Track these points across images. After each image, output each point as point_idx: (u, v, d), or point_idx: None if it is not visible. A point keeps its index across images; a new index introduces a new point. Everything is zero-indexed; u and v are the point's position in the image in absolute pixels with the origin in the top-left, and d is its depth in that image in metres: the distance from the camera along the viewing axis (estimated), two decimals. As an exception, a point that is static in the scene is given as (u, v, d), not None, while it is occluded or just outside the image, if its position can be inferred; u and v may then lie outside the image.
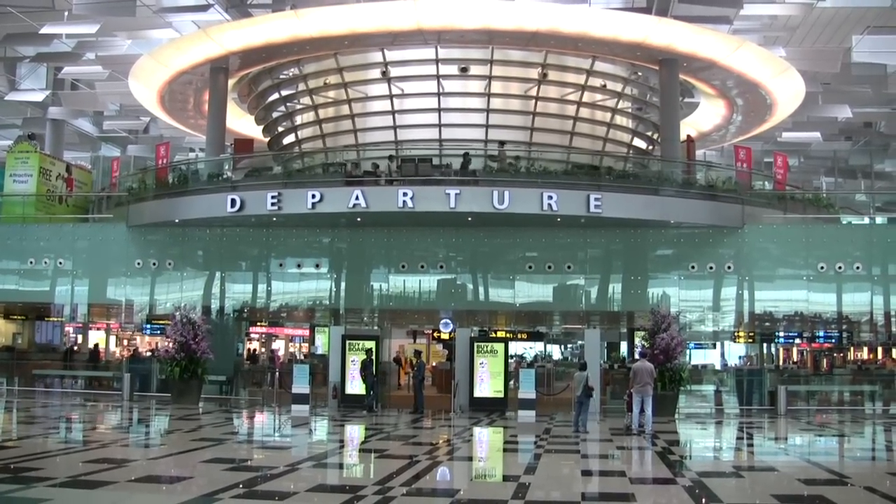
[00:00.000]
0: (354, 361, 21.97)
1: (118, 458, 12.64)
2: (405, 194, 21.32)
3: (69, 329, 35.43)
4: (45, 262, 25.79)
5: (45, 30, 27.24)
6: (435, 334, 31.73)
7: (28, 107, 35.86)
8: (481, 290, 24.59)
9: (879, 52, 26.76)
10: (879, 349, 36.31)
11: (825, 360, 36.57)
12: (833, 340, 35.43)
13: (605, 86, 27.88)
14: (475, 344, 22.11)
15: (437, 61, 26.28)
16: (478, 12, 23.45)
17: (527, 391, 20.69)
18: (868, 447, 17.21)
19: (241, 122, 32.61)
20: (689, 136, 28.43)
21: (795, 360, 39.75)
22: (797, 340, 36.94)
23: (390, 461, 13.32)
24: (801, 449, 16.62)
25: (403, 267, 24.08)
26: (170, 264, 25.09)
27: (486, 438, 17.50)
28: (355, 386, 21.99)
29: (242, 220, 23.63)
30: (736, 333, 31.28)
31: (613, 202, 21.85)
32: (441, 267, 24.21)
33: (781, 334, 34.10)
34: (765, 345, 35.70)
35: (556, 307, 25.67)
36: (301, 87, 28.30)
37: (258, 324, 35.14)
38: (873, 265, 23.57)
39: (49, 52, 30.31)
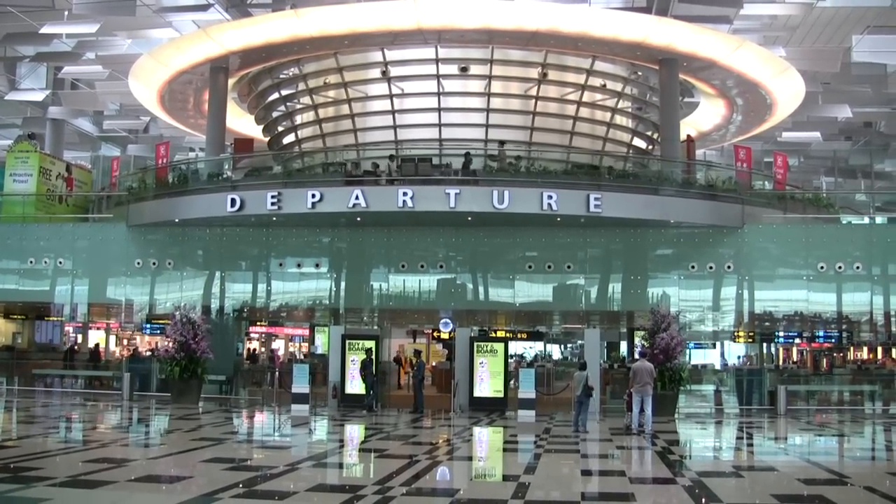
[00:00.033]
0: (354, 361, 21.97)
1: (118, 458, 12.64)
2: (405, 194, 21.33)
3: (69, 329, 35.45)
4: (45, 262, 25.79)
5: (45, 29, 27.25)
6: (435, 334, 31.74)
7: (28, 106, 35.88)
8: (481, 289, 24.59)
9: (879, 52, 26.77)
10: (879, 349, 36.35)
11: (825, 360, 36.59)
12: (833, 340, 35.45)
13: (604, 85, 27.88)
14: (475, 343, 22.11)
15: (437, 61, 26.29)
16: (478, 12, 23.44)
17: (527, 391, 20.69)
18: (868, 447, 17.21)
19: (241, 121, 32.61)
20: (688, 136, 28.43)
21: (795, 359, 39.78)
22: (797, 340, 36.98)
23: (390, 461, 13.32)
24: (801, 449, 16.62)
25: (403, 267, 24.08)
26: (170, 264, 25.08)
27: (486, 438, 17.50)
28: (355, 385, 21.99)
29: (242, 220, 23.63)
30: (736, 333, 31.30)
31: (613, 202, 21.85)
32: (441, 267, 24.22)
33: (781, 334, 34.12)
34: (764, 345, 35.70)
35: (555, 307, 25.67)
36: (301, 86, 28.31)
37: (258, 323, 35.16)
38: (873, 265, 23.57)
39: (49, 51, 30.31)
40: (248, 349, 33.64)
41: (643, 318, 23.64)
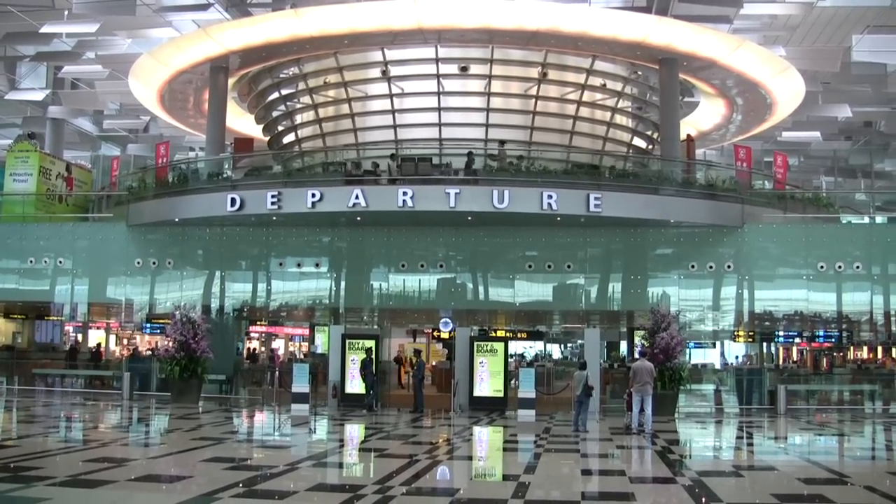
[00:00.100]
0: (354, 361, 21.98)
1: (118, 458, 12.64)
2: (405, 193, 21.32)
3: (69, 328, 35.45)
4: (45, 262, 25.78)
5: (45, 29, 27.25)
6: (435, 333, 31.74)
7: (28, 106, 35.87)
8: (481, 289, 24.60)
9: (879, 52, 26.77)
10: (879, 348, 36.35)
11: (825, 360, 36.59)
12: (833, 340, 35.42)
13: (605, 85, 27.88)
14: (475, 343, 22.12)
15: (437, 60, 26.28)
16: (478, 11, 23.44)
17: (527, 390, 20.70)
18: (868, 446, 17.20)
19: (241, 121, 32.61)
20: (688, 136, 28.43)
21: (795, 359, 39.76)
22: (797, 340, 36.93)
23: (390, 460, 13.32)
24: (801, 448, 16.63)
25: (403, 266, 24.08)
26: (170, 263, 25.08)
27: (486, 438, 17.51)
28: (355, 385, 22.00)
29: (242, 220, 23.62)
30: (736, 333, 31.26)
31: (613, 201, 21.85)
32: (441, 266, 24.22)
33: (781, 334, 34.09)
34: (764, 344, 35.69)
35: (555, 306, 25.67)
36: (301, 86, 28.30)
37: (258, 323, 35.16)
38: (873, 264, 23.58)
39: (49, 51, 30.31)
40: (248, 349, 33.65)
41: (643, 317, 23.64)
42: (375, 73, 27.28)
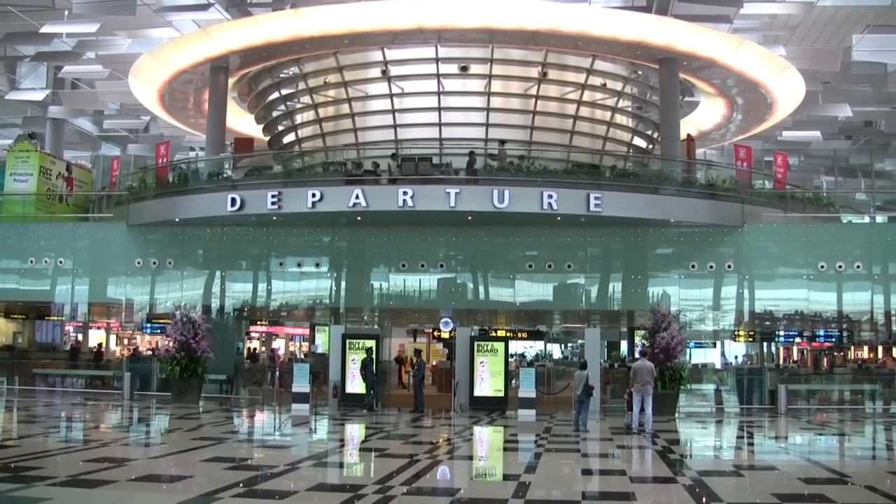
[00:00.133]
0: (355, 360, 21.98)
1: (118, 458, 12.64)
2: (405, 193, 21.32)
3: (69, 328, 35.45)
4: (46, 262, 25.79)
5: (45, 29, 27.26)
6: (435, 333, 31.72)
7: (28, 106, 35.88)
8: (481, 289, 24.60)
9: (879, 51, 26.77)
10: (880, 348, 36.30)
11: (825, 359, 36.54)
12: (833, 339, 35.36)
13: (605, 85, 27.88)
14: (475, 343, 22.12)
15: (437, 60, 26.29)
16: (478, 11, 23.44)
17: (527, 390, 20.70)
18: (868, 446, 17.20)
19: (241, 121, 32.61)
20: (689, 135, 28.43)
21: (796, 359, 39.71)
22: (797, 339, 36.88)
23: (390, 460, 13.32)
24: (802, 448, 16.62)
25: (404, 266, 24.08)
26: (170, 263, 25.08)
27: (487, 437, 17.51)
28: (355, 385, 21.99)
29: (243, 220, 23.62)
30: (736, 332, 31.21)
31: (613, 201, 21.85)
32: (441, 266, 24.21)
33: (782, 333, 34.03)
34: (765, 344, 35.65)
35: (556, 306, 25.67)
36: (301, 86, 28.31)
37: (258, 323, 35.13)
38: (873, 264, 23.57)
39: (49, 51, 30.32)
40: (249, 348, 33.63)
41: (643, 317, 23.63)
42: (375, 72, 27.29)
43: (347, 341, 22.40)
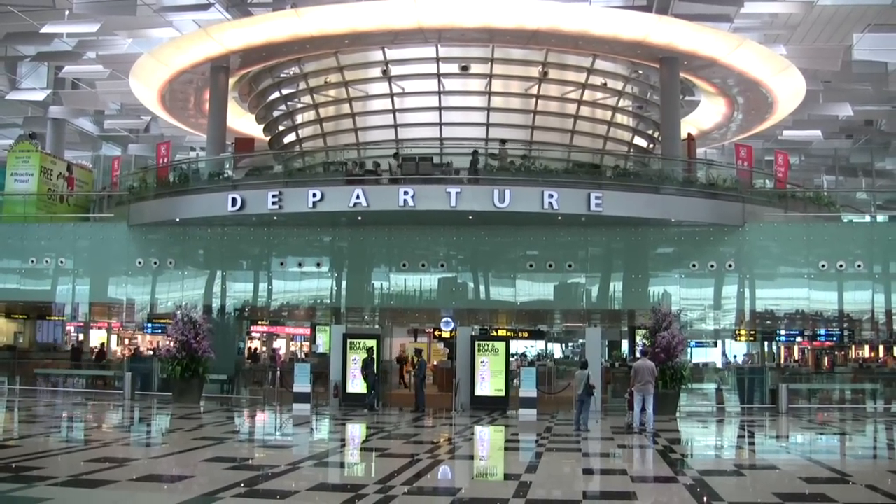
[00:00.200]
0: (356, 360, 21.98)
1: (119, 458, 12.65)
2: (406, 193, 21.31)
3: (70, 328, 35.47)
4: (47, 262, 25.78)
5: (45, 29, 27.27)
6: (436, 333, 31.74)
7: (29, 106, 35.91)
8: (482, 288, 24.59)
9: (880, 50, 26.78)
10: (881, 347, 36.32)
11: (826, 359, 36.58)
12: (834, 338, 35.41)
13: (605, 84, 27.88)
14: (476, 342, 22.13)
15: (437, 60, 26.29)
16: (478, 11, 23.43)
17: (528, 390, 20.70)
18: (869, 445, 17.20)
19: (241, 120, 32.62)
20: (689, 135, 28.43)
21: (797, 358, 39.73)
22: (798, 339, 36.92)
23: (391, 460, 13.32)
24: (803, 447, 16.62)
25: (404, 266, 24.07)
26: (171, 263, 25.08)
27: (488, 437, 17.51)
28: (356, 385, 22.00)
29: (243, 219, 23.62)
30: (737, 332, 31.26)
31: (614, 200, 21.84)
32: (442, 266, 24.21)
33: (782, 332, 34.09)
34: (766, 343, 35.67)
35: (557, 306, 25.66)
36: (302, 85, 28.31)
37: (259, 323, 35.15)
38: (874, 263, 23.56)
39: (50, 51, 30.34)
40: (250, 348, 33.66)
41: (644, 316, 23.63)
42: (376, 72, 27.29)
43: (348, 341, 22.40)
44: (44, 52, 30.62)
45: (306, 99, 28.66)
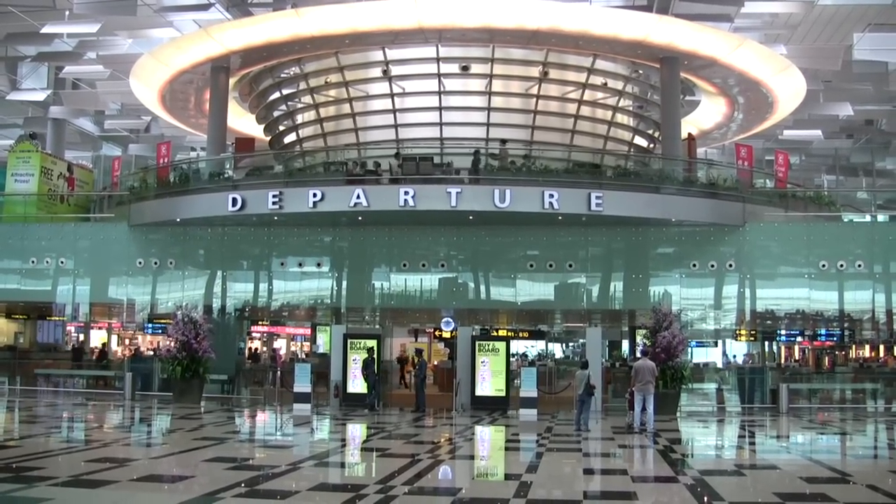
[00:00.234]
0: (356, 360, 21.98)
1: (120, 458, 12.65)
2: (406, 193, 21.31)
3: (71, 328, 35.48)
4: (47, 262, 25.78)
5: (46, 29, 27.27)
6: (436, 333, 31.73)
7: (29, 106, 35.91)
8: (483, 288, 24.59)
9: (880, 50, 26.79)
10: (881, 347, 36.30)
11: (827, 358, 36.56)
12: (835, 338, 35.39)
13: (606, 84, 27.87)
14: (476, 342, 22.14)
15: (437, 60, 26.28)
16: (479, 11, 23.43)
17: (528, 390, 20.70)
18: (870, 445, 17.20)
19: (242, 121, 32.62)
20: (690, 135, 28.43)
21: (797, 357, 39.72)
22: (799, 338, 36.90)
23: (392, 460, 13.32)
24: (803, 447, 16.61)
25: (405, 266, 24.07)
26: (171, 263, 25.08)
27: (488, 437, 17.51)
28: (357, 385, 22.00)
29: (244, 219, 23.62)
30: (737, 331, 31.25)
31: (614, 200, 21.83)
32: (442, 265, 24.21)
33: (783, 332, 34.08)
34: (766, 343, 35.66)
35: (557, 305, 25.66)
36: (302, 85, 28.31)
37: (260, 323, 35.16)
38: (875, 263, 23.55)
39: (50, 51, 30.34)
40: (250, 348, 33.66)
41: (645, 316, 23.62)
42: (376, 72, 27.28)
43: (349, 341, 22.41)
44: (44, 53, 30.63)
45: (307, 99, 28.66)
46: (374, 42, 25.56)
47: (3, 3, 26.53)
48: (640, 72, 27.94)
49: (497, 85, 26.93)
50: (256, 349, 34.74)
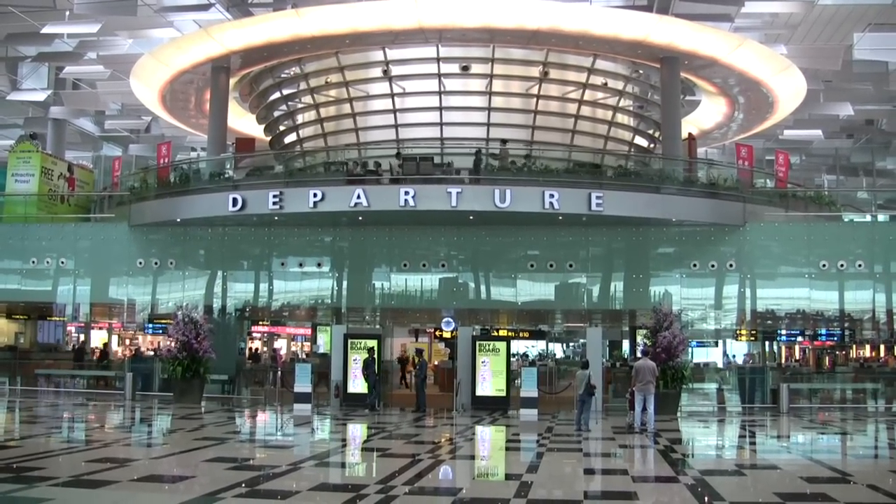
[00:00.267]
0: (356, 360, 21.98)
1: (120, 458, 12.65)
2: (407, 193, 21.31)
3: (71, 329, 35.49)
4: (47, 262, 25.79)
5: (46, 29, 27.27)
6: (437, 333, 31.73)
7: (30, 106, 35.92)
8: (483, 288, 24.59)
9: (880, 50, 26.80)
10: (882, 347, 36.29)
11: (827, 358, 36.54)
12: (835, 338, 35.37)
13: (606, 84, 27.87)
14: (477, 342, 22.15)
15: (438, 60, 26.28)
16: (479, 11, 23.43)
17: (529, 390, 20.70)
18: (871, 445, 17.19)
19: (242, 121, 32.62)
20: (690, 134, 28.42)
21: (798, 357, 39.72)
22: (799, 338, 36.89)
23: (392, 460, 13.32)
24: (804, 447, 16.61)
25: (405, 266, 24.07)
26: (171, 263, 25.09)
27: (489, 437, 17.51)
28: (357, 385, 22.00)
29: (244, 220, 23.63)
30: (738, 331, 31.25)
31: (615, 200, 21.83)
32: (443, 265, 24.21)
33: (783, 332, 34.07)
34: (767, 343, 35.66)
35: (557, 305, 25.66)
36: (302, 85, 28.32)
37: (260, 323, 35.16)
38: (875, 263, 23.55)
39: (50, 51, 30.34)
40: (251, 349, 33.66)
41: (645, 316, 23.62)
42: (377, 72, 27.28)
43: (349, 341, 22.41)
44: (44, 53, 30.63)
45: (307, 99, 28.66)
46: (374, 42, 25.56)
47: (3, 3, 26.53)
48: (641, 72, 27.95)
49: (497, 85, 26.94)
50: (257, 349, 34.74)
